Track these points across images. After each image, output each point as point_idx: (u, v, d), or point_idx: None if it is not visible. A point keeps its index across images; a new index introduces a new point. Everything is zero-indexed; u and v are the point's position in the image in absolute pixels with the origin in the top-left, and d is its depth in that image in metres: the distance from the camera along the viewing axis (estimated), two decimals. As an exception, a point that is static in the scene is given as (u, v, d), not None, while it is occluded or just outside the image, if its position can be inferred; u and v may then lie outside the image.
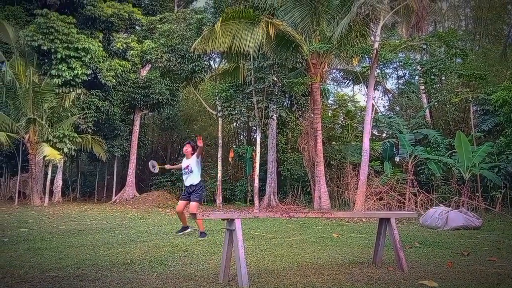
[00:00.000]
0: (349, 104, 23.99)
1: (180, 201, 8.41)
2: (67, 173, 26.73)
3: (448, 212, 9.80)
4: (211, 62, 22.15)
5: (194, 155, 8.25)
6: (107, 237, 7.66)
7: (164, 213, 15.22)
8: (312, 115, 16.20)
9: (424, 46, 15.37)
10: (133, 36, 22.24)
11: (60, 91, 18.69)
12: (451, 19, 26.11)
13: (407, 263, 4.81)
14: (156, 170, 9.45)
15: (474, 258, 5.68)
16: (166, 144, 29.49)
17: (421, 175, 15.55)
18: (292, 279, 4.27)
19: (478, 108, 17.29)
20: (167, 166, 9.49)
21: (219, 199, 19.28)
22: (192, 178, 8.18)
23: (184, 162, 8.38)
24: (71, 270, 4.66)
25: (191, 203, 8.06)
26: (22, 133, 18.08)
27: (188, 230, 8.43)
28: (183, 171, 8.34)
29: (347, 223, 10.79)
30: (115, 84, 20.32)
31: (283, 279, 4.27)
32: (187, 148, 8.41)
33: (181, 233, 8.27)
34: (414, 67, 15.92)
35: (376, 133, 22.03)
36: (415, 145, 16.10)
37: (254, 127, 22.01)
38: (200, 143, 7.79)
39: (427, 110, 19.77)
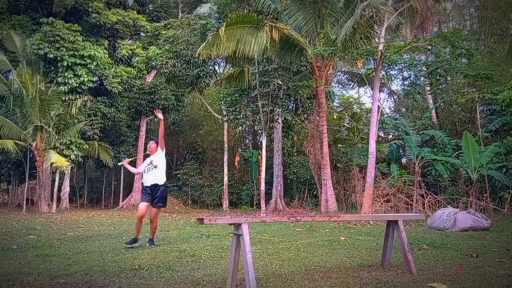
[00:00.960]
0: (354, 106, 23.95)
1: (142, 203, 7.23)
2: (74, 180, 26.90)
3: (456, 213, 9.72)
4: (216, 67, 22.28)
5: (158, 148, 7.29)
6: (114, 243, 7.68)
7: (171, 218, 15.25)
8: (317, 118, 16.20)
9: (429, 47, 15.34)
10: (138, 42, 22.41)
11: (67, 98, 18.86)
12: (456, 19, 25.99)
13: (415, 265, 4.77)
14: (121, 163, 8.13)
15: (483, 259, 5.62)
16: (172, 149, 29.56)
17: (428, 177, 15.45)
18: (300, 283, 4.26)
19: (485, 108, 17.17)
20: (125, 161, 7.91)
21: (225, 203, 19.30)
22: (157, 175, 7.20)
23: (147, 160, 7.45)
24: (79, 277, 4.68)
25: (154, 208, 7.28)
26: (29, 141, 18.23)
27: (138, 243, 7.13)
28: (145, 168, 7.33)
29: (354, 226, 10.74)
30: (121, 90, 20.46)
31: (291, 283, 4.26)
32: (151, 145, 7.41)
33: (130, 246, 6.97)
34: (419, 68, 15.87)
35: (382, 135, 21.96)
36: (422, 146, 16.01)
37: (259, 131, 22.01)
38: (159, 114, 6.97)
39: (433, 111, 19.68)
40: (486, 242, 7.37)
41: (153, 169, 7.27)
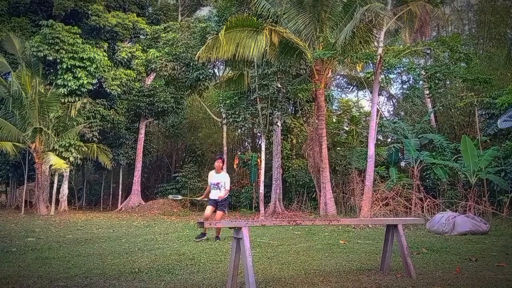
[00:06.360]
0: (353, 109, 23.96)
1: None
2: (73, 182, 26.82)
3: (455, 217, 9.74)
4: (216, 70, 22.24)
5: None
6: (114, 246, 7.68)
7: (170, 221, 15.23)
8: (316, 121, 16.22)
9: (428, 51, 15.37)
10: (138, 45, 22.41)
11: (66, 100, 18.86)
12: (455, 24, 26.10)
13: (415, 269, 4.79)
14: (178, 199, 9.97)
15: (482, 264, 5.64)
16: (171, 151, 29.56)
17: (427, 180, 15.47)
18: (300, 287, 4.27)
19: (483, 112, 17.21)
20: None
21: (224, 206, 19.26)
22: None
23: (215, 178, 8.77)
24: (79, 280, 4.68)
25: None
26: (28, 143, 18.20)
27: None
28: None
29: (353, 229, 10.74)
30: (120, 93, 20.47)
31: (290, 287, 4.27)
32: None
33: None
34: (418, 72, 15.90)
35: (381, 139, 21.98)
36: (421, 150, 16.04)
37: (258, 134, 22.05)
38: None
39: (432, 115, 19.71)
40: (485, 246, 7.39)
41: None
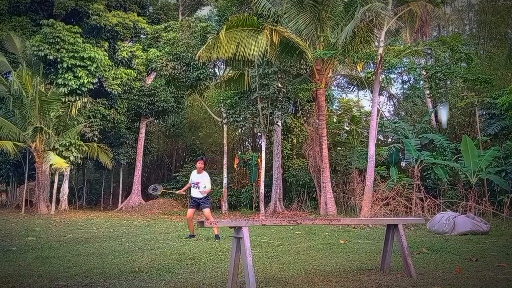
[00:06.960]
0: (354, 109, 23.96)
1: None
2: (73, 181, 26.85)
3: (455, 217, 9.73)
4: (216, 70, 22.27)
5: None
6: (114, 245, 7.68)
7: (170, 220, 15.23)
8: (317, 120, 16.22)
9: (429, 51, 15.36)
10: (138, 44, 22.41)
11: (66, 100, 18.87)
12: (455, 24, 26.09)
13: (415, 269, 4.78)
14: (158, 193, 10.02)
15: (483, 264, 5.64)
16: (172, 151, 29.57)
17: (427, 180, 15.46)
18: (300, 287, 4.27)
19: (484, 112, 17.21)
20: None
21: (224, 206, 19.27)
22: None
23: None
24: (79, 279, 4.68)
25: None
26: (29, 142, 18.21)
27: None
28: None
29: (353, 229, 10.74)
30: (120, 92, 20.47)
31: (291, 287, 4.27)
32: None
33: None
34: (419, 72, 15.90)
35: (382, 138, 21.96)
36: (421, 150, 16.03)
37: (259, 134, 22.04)
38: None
39: (433, 115, 19.70)
40: (486, 246, 7.38)
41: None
